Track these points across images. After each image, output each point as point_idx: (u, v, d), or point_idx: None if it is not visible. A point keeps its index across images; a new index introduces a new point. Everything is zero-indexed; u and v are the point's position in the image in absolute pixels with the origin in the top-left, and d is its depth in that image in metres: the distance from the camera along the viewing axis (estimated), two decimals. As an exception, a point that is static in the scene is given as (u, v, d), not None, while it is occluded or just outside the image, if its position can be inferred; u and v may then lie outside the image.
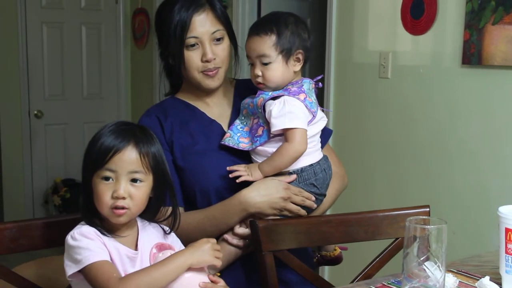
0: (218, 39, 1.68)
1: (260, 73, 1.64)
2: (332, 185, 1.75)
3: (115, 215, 1.32)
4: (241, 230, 1.65)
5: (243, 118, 1.72)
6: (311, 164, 1.67)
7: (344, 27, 3.31)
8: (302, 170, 1.66)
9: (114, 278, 1.25)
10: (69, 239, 1.30)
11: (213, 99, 1.78)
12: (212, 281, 1.37)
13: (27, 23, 4.87)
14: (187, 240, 1.47)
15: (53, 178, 5.07)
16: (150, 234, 1.41)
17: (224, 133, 1.73)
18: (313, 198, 1.68)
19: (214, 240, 1.40)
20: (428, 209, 1.74)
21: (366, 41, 3.19)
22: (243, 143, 1.67)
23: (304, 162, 1.66)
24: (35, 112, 4.98)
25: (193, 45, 1.66)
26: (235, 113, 1.77)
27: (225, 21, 1.71)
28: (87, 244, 1.28)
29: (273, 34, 1.62)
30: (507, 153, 2.51)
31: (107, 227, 1.34)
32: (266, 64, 1.63)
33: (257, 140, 1.64)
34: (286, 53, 1.63)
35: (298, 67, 1.67)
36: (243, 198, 1.61)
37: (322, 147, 1.76)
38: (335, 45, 3.35)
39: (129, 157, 1.32)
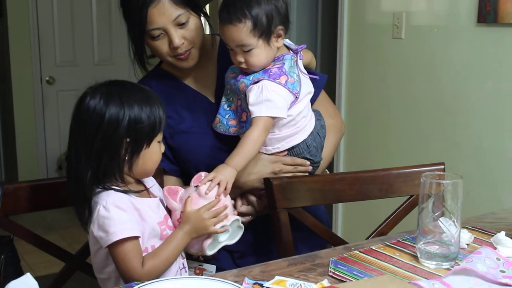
0: (183, 23, 1.58)
1: (242, 60, 1.53)
2: (328, 141, 1.71)
3: None
4: (243, 208, 1.65)
5: (228, 93, 1.65)
6: (303, 140, 1.63)
7: (357, -13, 3.27)
8: (293, 146, 1.63)
9: (139, 265, 1.29)
10: (101, 209, 1.29)
11: (196, 70, 1.71)
12: None
13: (37, -12, 4.85)
14: None
15: (66, 144, 5.08)
16: (147, 180, 1.45)
17: (210, 104, 1.70)
18: (308, 163, 1.65)
19: (212, 205, 1.39)
20: (443, 166, 1.74)
21: (379, 1, 3.15)
22: (233, 127, 1.62)
23: (295, 141, 1.62)
24: (47, 78, 5.00)
25: (158, 36, 1.58)
26: (221, 79, 1.69)
27: (187, 1, 1.58)
28: (121, 215, 1.28)
29: (247, 19, 1.48)
30: (523, 113, 2.49)
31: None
32: (247, 51, 1.51)
33: (243, 126, 1.59)
34: (266, 35, 1.51)
35: (280, 42, 1.56)
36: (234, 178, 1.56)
37: (315, 98, 1.71)
38: (348, 6, 3.31)
39: None
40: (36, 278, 1.10)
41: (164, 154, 1.65)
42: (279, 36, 1.54)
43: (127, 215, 1.29)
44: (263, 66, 1.54)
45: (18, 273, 1.49)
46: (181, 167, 1.71)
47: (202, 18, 1.67)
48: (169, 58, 1.63)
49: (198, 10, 1.63)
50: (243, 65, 1.54)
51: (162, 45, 1.60)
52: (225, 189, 1.43)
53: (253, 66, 1.53)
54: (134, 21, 1.58)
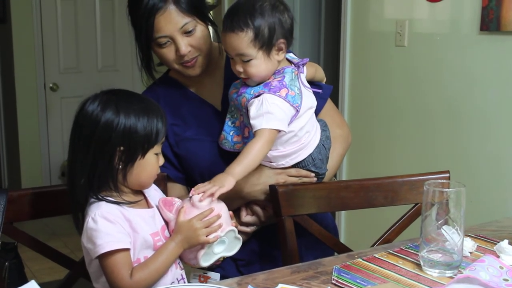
0: (189, 31, 1.58)
1: (241, 70, 1.51)
2: (334, 151, 1.71)
3: None
4: (248, 218, 1.65)
5: (232, 110, 1.64)
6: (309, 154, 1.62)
7: (360, -5, 3.28)
8: (298, 161, 1.62)
9: (127, 277, 1.28)
10: (90, 221, 1.29)
11: (203, 78, 1.71)
12: None
13: (41, -4, 4.87)
14: None
15: (69, 150, 5.10)
16: (150, 190, 1.45)
17: (216, 112, 1.70)
18: (312, 175, 1.64)
19: (204, 215, 1.36)
20: (448, 175, 1.73)
21: (382, 8, 3.16)
22: (238, 143, 1.61)
23: (300, 157, 1.61)
24: (51, 85, 5.01)
25: (165, 43, 1.59)
26: (227, 88, 1.68)
27: (194, 10, 1.58)
28: (108, 228, 1.28)
29: (249, 29, 1.47)
30: (526, 121, 2.49)
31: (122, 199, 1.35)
32: (246, 61, 1.50)
33: (246, 142, 1.57)
34: (267, 47, 1.49)
35: (281, 55, 1.54)
36: (238, 188, 1.54)
37: (321, 108, 1.71)
38: (351, 13, 3.31)
39: None
40: (40, 285, 1.10)
41: (169, 161, 1.65)
42: (280, 49, 1.53)
43: (115, 227, 1.29)
44: (262, 77, 1.53)
45: (22, 280, 1.50)
46: (186, 174, 1.71)
47: (210, 27, 1.67)
48: (176, 66, 1.63)
49: (205, 18, 1.63)
50: (242, 75, 1.53)
51: (169, 53, 1.60)
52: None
53: (252, 77, 1.52)
54: (141, 29, 1.58)
